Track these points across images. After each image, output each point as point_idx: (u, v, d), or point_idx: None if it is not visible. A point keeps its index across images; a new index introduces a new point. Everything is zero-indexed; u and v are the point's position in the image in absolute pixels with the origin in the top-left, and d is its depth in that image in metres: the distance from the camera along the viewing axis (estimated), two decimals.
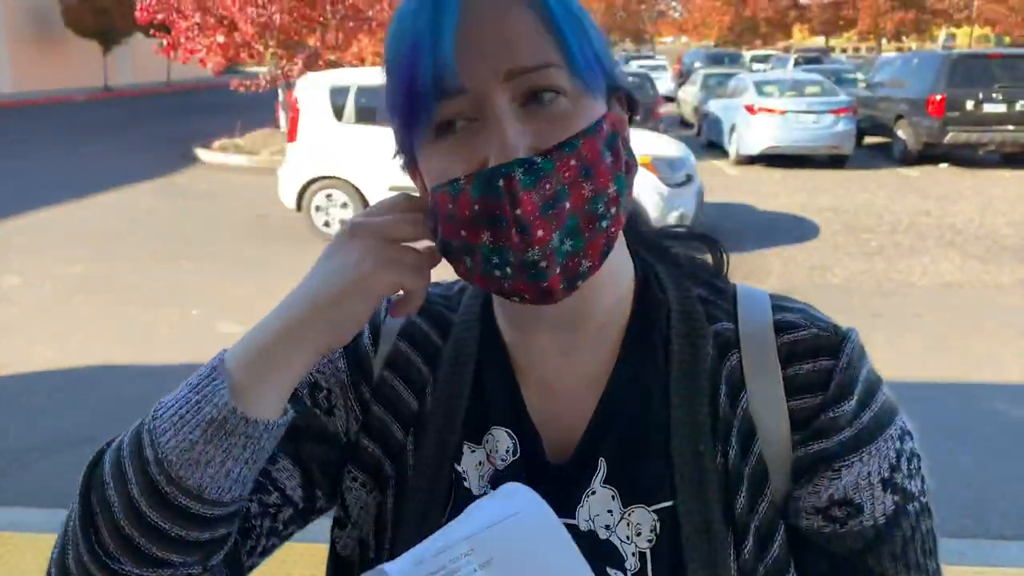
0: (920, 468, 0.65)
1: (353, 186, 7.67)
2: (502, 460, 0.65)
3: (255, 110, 17.65)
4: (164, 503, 0.55)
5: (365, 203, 7.50)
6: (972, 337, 5.46)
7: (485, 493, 0.65)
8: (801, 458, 0.63)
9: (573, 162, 0.56)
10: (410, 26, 0.57)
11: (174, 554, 0.56)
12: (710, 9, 56.91)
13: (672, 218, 6.86)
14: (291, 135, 8.22)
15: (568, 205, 0.56)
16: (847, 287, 6.53)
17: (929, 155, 13.40)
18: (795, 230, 8.37)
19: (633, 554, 0.61)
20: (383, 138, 0.75)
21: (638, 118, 0.66)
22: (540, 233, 0.55)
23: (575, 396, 0.66)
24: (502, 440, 0.66)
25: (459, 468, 0.66)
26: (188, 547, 0.57)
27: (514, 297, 0.59)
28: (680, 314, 0.66)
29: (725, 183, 11.26)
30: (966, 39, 57.62)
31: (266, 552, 0.69)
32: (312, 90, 7.99)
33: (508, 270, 0.56)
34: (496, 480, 0.65)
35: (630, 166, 0.61)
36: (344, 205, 7.77)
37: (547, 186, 0.55)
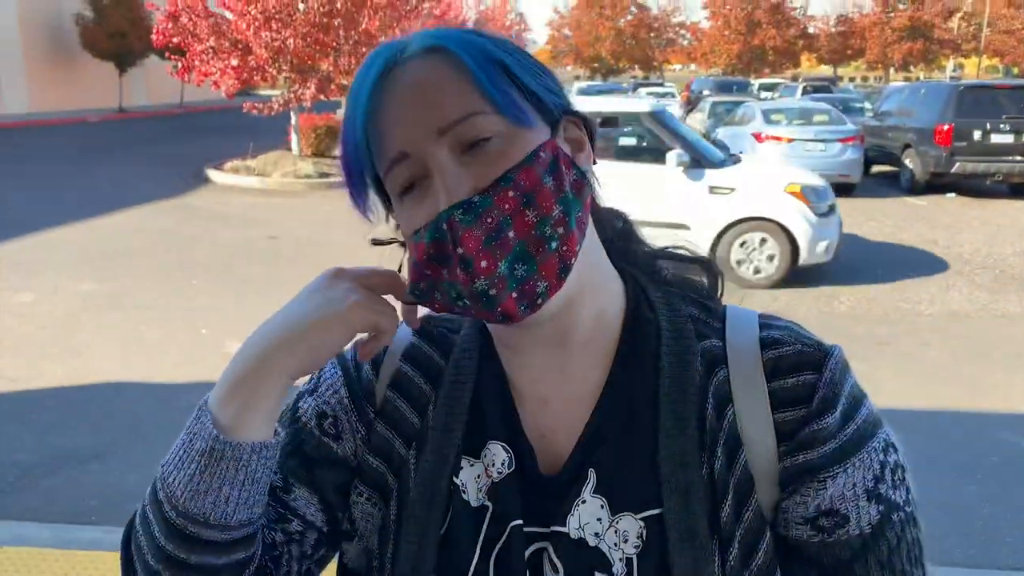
0: (905, 479, 0.67)
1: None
2: (498, 473, 0.68)
3: (267, 133, 17.85)
4: (179, 535, 0.62)
5: None
6: (979, 366, 5.45)
7: (483, 505, 0.68)
8: (787, 469, 0.66)
9: (511, 193, 0.60)
10: (351, 108, 0.65)
11: None
12: (719, 37, 57.35)
13: (820, 248, 7.07)
14: None
15: (512, 234, 0.60)
16: (853, 315, 6.54)
17: (937, 185, 13.43)
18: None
19: (620, 559, 0.64)
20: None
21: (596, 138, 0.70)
22: (484, 264, 0.60)
23: (568, 411, 0.69)
24: (498, 454, 0.69)
25: (458, 481, 0.69)
26: (211, 574, 0.62)
27: (486, 320, 0.65)
28: (670, 332, 0.69)
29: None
30: (974, 69, 57.80)
31: (306, 574, 0.74)
32: None
33: (465, 301, 0.62)
34: (492, 492, 0.68)
35: (579, 185, 0.65)
36: None
37: (488, 220, 0.60)
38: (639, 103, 8.87)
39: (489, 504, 0.68)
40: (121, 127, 24.41)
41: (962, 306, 6.90)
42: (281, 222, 10.29)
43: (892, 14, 57.93)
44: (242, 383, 0.63)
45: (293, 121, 14.58)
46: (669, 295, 0.73)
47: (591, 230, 0.67)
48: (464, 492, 0.69)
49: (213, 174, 13.94)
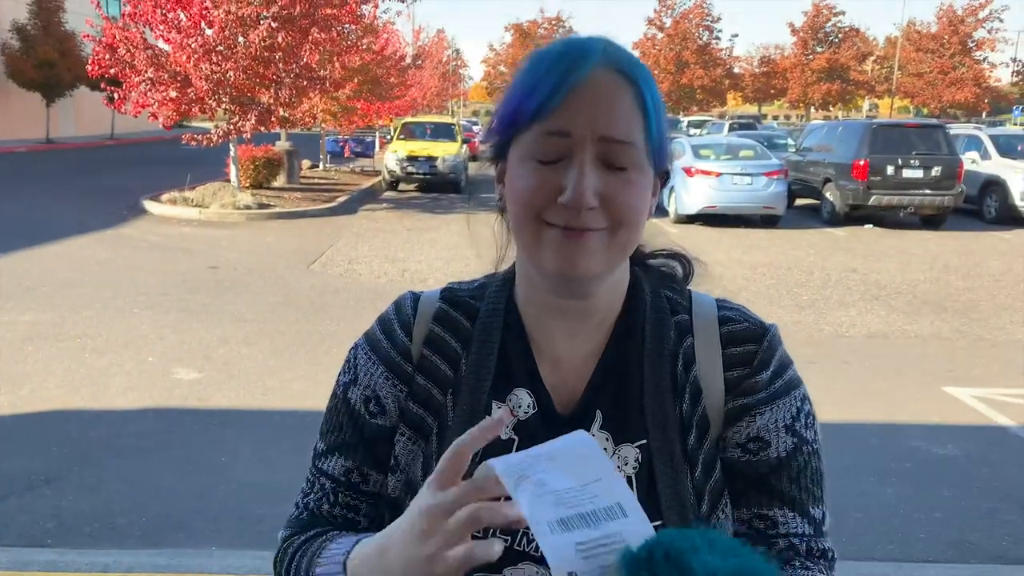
0: (814, 424, 0.90)
1: None
2: (524, 413, 0.88)
3: (203, 164, 17.66)
4: None
5: None
6: (894, 382, 5.85)
7: (510, 439, 0.87)
8: (731, 409, 0.88)
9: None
10: (550, 63, 0.78)
11: None
12: None
13: None
14: None
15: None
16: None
17: (855, 216, 14.18)
18: (731, 284, 8.79)
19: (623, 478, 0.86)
20: None
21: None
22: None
23: (577, 367, 0.90)
24: (523, 398, 0.88)
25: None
26: None
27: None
28: (652, 308, 0.91)
29: (665, 241, 11.73)
30: (887, 109, 60.92)
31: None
32: None
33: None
34: (518, 428, 0.87)
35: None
36: None
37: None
38: None
39: (516, 437, 0.87)
40: (50, 158, 23.74)
41: (879, 328, 7.37)
42: (221, 252, 10.24)
43: (811, 57, 60.82)
44: None
45: (232, 152, 14.52)
46: (654, 280, 0.94)
47: None
48: None
49: (150, 205, 13.75)
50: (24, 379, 5.28)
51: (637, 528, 0.64)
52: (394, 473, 0.91)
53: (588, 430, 0.86)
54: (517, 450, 0.86)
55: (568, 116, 0.77)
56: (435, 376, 0.90)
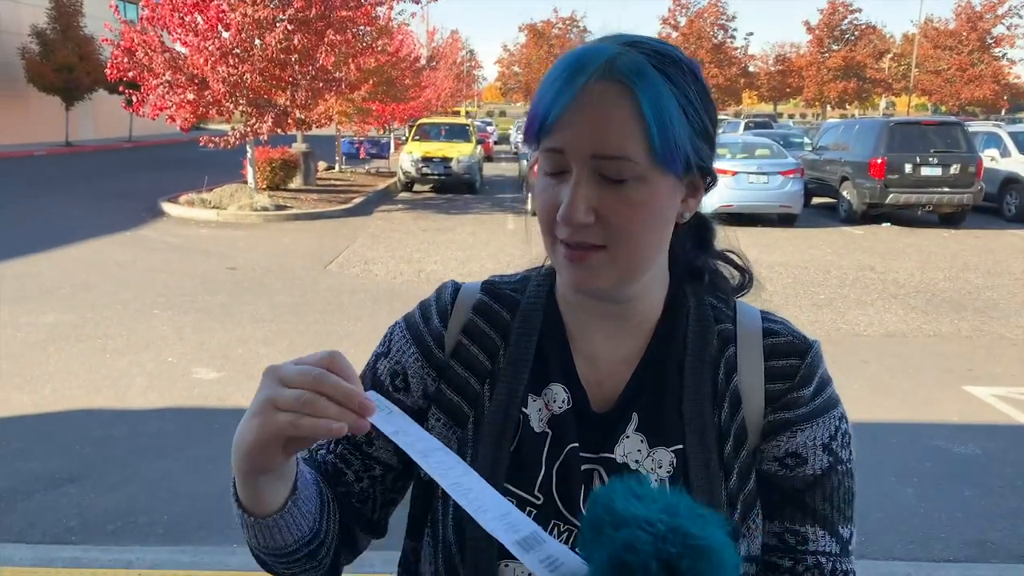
0: (850, 444, 0.91)
1: None
2: (559, 408, 0.89)
3: (220, 166, 17.82)
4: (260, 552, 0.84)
5: None
6: (915, 381, 5.82)
7: (544, 432, 0.88)
8: (770, 422, 0.89)
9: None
10: (547, 87, 0.80)
11: (295, 565, 0.84)
12: None
13: None
14: None
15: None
16: None
17: (872, 215, 14.09)
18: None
19: (656, 480, 0.86)
20: None
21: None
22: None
23: (615, 367, 0.91)
24: (559, 393, 0.89)
25: (524, 411, 0.89)
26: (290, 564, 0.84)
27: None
28: (696, 315, 0.92)
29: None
30: (904, 107, 60.42)
31: (390, 504, 0.95)
32: None
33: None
34: (552, 422, 0.88)
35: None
36: None
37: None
38: None
39: (549, 431, 0.88)
40: (69, 161, 24.01)
41: (898, 327, 7.32)
42: (239, 254, 10.32)
43: (827, 55, 60.46)
44: (240, 478, 0.75)
45: (249, 154, 14.63)
46: (699, 288, 0.94)
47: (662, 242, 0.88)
48: (529, 420, 0.89)
49: (168, 207, 13.87)
50: (47, 379, 5.35)
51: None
52: None
53: (624, 431, 0.87)
54: (551, 445, 0.87)
55: (561, 134, 0.78)
56: (472, 366, 0.92)
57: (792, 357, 0.90)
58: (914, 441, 4.73)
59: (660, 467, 0.86)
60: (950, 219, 14.01)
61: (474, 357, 0.92)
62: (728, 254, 1.00)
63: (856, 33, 60.90)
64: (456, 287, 0.97)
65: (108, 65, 13.41)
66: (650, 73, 0.77)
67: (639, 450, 0.86)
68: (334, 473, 0.93)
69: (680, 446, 0.86)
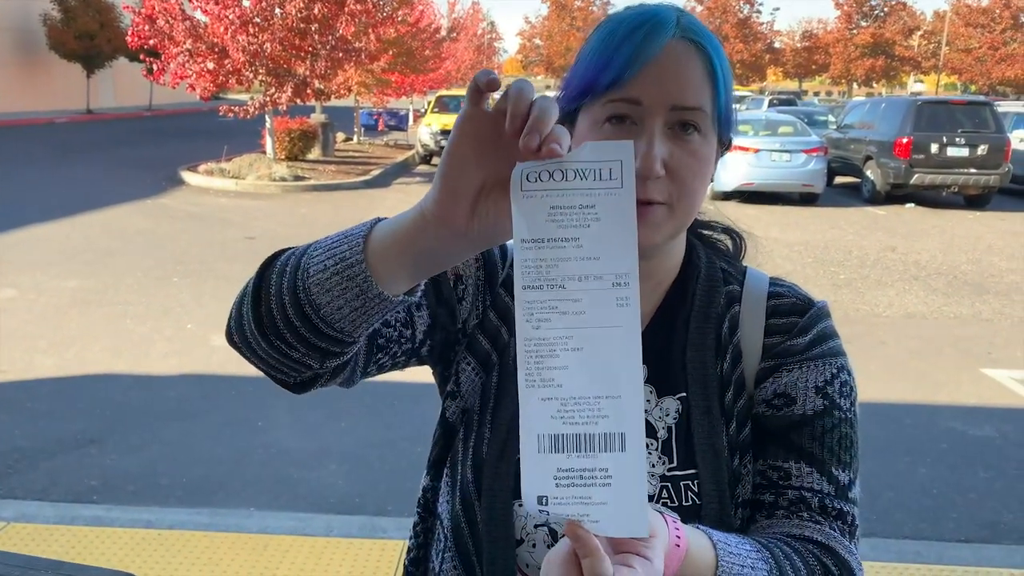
0: (851, 395, 0.91)
1: None
2: None
3: (239, 136, 17.85)
4: (297, 303, 0.72)
5: None
6: (933, 363, 5.78)
7: None
8: (763, 369, 0.93)
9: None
10: (624, 34, 0.81)
11: (300, 346, 0.74)
12: None
13: None
14: None
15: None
16: None
17: (896, 195, 13.89)
18: (767, 262, 8.69)
19: (663, 427, 0.90)
20: None
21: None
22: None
23: None
24: None
25: None
26: (310, 347, 0.75)
27: None
28: (705, 275, 0.96)
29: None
30: (933, 86, 59.32)
31: (382, 367, 0.90)
32: None
33: None
34: None
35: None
36: None
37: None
38: None
39: None
40: (90, 129, 24.16)
41: (918, 308, 7.26)
42: (258, 223, 10.38)
43: (855, 31, 59.36)
44: (396, 237, 0.68)
45: (268, 124, 14.64)
46: (710, 252, 1.00)
47: None
48: None
49: (187, 176, 13.95)
50: (70, 343, 5.44)
51: (628, 469, 0.61)
52: (454, 399, 0.95)
53: None
54: None
55: (642, 86, 0.80)
56: (505, 317, 0.95)
57: (793, 315, 0.94)
58: (930, 422, 4.70)
59: (667, 415, 0.90)
60: (976, 201, 13.80)
61: (508, 308, 0.95)
62: (718, 220, 1.06)
63: (886, 9, 59.69)
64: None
65: (129, 32, 13.42)
66: (713, 37, 0.84)
67: (648, 400, 0.90)
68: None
69: (684, 394, 0.90)
